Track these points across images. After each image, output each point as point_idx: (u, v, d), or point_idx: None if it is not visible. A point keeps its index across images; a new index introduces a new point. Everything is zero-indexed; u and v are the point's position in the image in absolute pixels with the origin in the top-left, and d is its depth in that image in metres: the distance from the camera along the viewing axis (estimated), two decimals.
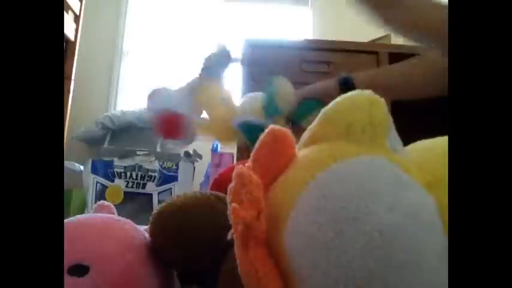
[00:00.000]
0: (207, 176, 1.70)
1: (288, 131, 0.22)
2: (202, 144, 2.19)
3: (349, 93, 0.23)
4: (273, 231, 0.19)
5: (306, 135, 0.24)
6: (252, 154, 0.22)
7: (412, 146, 0.23)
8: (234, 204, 0.18)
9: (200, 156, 1.55)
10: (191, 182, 1.57)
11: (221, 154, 1.70)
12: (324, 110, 0.23)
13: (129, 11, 2.84)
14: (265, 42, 1.48)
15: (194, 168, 1.54)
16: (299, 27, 2.81)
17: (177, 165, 1.52)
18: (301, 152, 0.23)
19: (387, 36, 1.71)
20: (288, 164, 0.22)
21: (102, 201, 0.42)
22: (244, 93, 1.42)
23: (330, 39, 1.65)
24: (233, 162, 1.59)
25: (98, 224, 0.33)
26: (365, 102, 0.22)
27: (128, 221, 0.36)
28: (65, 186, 1.43)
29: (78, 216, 0.35)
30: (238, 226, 0.18)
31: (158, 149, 2.33)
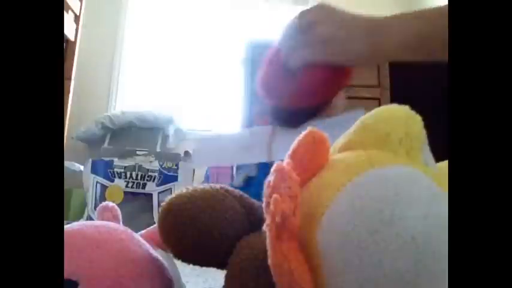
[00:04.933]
0: (207, 176, 1.70)
1: (326, 136, 0.23)
2: None
3: (387, 106, 0.24)
4: (305, 228, 0.20)
5: (340, 141, 0.25)
6: (288, 153, 0.23)
7: (440, 164, 0.24)
8: (275, 195, 0.19)
9: None
10: (191, 182, 1.57)
11: None
12: (361, 119, 0.24)
13: (129, 11, 2.83)
14: (266, 43, 1.47)
15: (194, 168, 1.54)
16: None
17: (177, 165, 1.52)
18: (336, 156, 0.24)
19: None
20: (322, 167, 0.23)
21: (106, 203, 0.40)
22: (246, 93, 1.42)
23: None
24: None
25: (91, 235, 0.32)
26: (403, 115, 0.23)
27: (126, 229, 0.35)
28: (65, 186, 1.43)
29: (73, 224, 0.34)
30: (276, 217, 0.19)
31: (158, 149, 2.33)
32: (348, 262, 0.19)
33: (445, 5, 0.40)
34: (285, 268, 0.19)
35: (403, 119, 0.23)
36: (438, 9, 0.43)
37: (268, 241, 0.20)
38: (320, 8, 0.49)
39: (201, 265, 0.32)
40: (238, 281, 0.25)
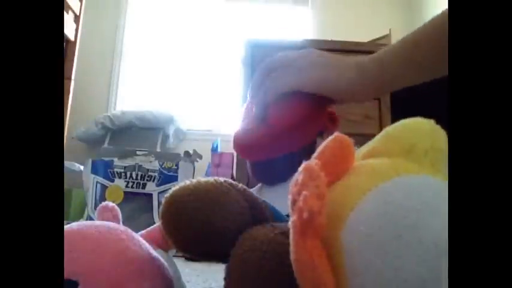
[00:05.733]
0: (207, 176, 1.70)
1: (351, 141, 0.24)
2: (202, 144, 2.19)
3: (413, 118, 0.25)
4: (329, 228, 0.20)
5: (363, 149, 0.26)
6: (314, 155, 0.23)
7: None
8: (305, 192, 0.19)
9: (200, 156, 1.55)
10: None
11: (221, 154, 1.70)
12: (386, 129, 0.25)
13: (129, 11, 2.84)
14: (266, 43, 1.48)
15: (194, 168, 1.54)
16: (299, 27, 2.81)
17: (177, 165, 1.52)
18: (360, 162, 0.24)
19: (387, 36, 1.72)
20: (346, 171, 0.24)
21: (106, 203, 0.40)
22: (245, 92, 1.42)
23: (330, 39, 1.65)
24: (233, 161, 1.59)
25: (91, 235, 0.32)
26: (429, 128, 0.24)
27: (126, 229, 0.35)
28: (65, 186, 1.43)
29: (73, 224, 0.33)
30: (304, 213, 0.19)
31: (158, 149, 2.33)
32: (370, 263, 0.19)
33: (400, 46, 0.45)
34: (309, 264, 0.19)
35: (429, 132, 0.23)
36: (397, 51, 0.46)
37: (291, 237, 0.20)
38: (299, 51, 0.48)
39: (202, 258, 0.32)
40: (240, 271, 0.25)
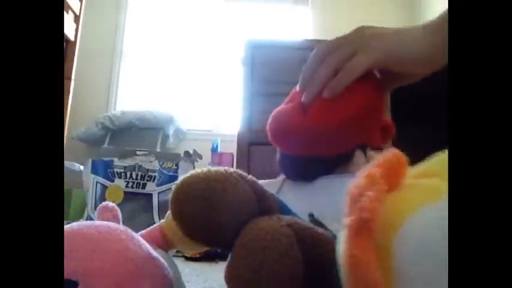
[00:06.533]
0: None
1: (406, 159, 0.25)
2: (202, 144, 2.20)
3: None
4: (382, 234, 0.21)
5: (414, 169, 0.27)
6: (373, 164, 0.25)
7: None
8: (371, 193, 0.20)
9: (200, 156, 1.55)
10: None
11: (221, 154, 1.70)
12: (440, 154, 0.26)
13: (129, 11, 2.83)
14: (266, 43, 1.48)
15: (194, 168, 1.54)
16: (299, 27, 2.81)
17: (177, 165, 1.52)
18: (413, 180, 0.26)
19: None
20: (398, 185, 0.25)
21: (106, 203, 0.40)
22: (245, 93, 1.42)
23: (330, 39, 1.65)
24: (233, 161, 1.59)
25: (91, 235, 0.32)
26: None
27: (126, 229, 0.35)
28: (65, 186, 1.43)
29: (73, 224, 0.34)
30: (365, 212, 0.20)
31: (158, 149, 2.33)
32: (429, 275, 0.20)
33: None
34: (363, 260, 0.20)
35: None
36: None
37: (346, 235, 0.21)
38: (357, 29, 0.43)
39: (209, 245, 0.32)
40: (244, 260, 0.25)
